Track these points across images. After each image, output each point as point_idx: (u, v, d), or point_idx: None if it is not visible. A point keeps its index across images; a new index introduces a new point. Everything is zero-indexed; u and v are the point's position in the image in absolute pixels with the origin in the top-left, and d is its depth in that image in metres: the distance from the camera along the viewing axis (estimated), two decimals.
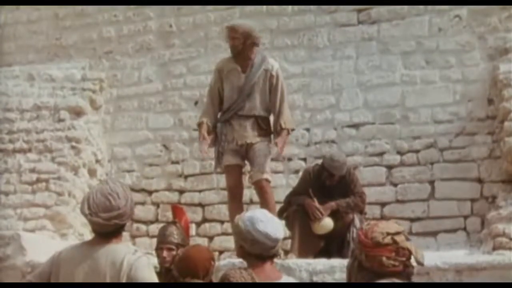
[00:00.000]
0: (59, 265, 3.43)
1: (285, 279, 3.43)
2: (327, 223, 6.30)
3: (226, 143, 6.23)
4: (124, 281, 3.29)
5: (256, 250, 3.38)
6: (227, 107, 6.28)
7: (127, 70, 8.73)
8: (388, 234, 2.93)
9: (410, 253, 2.95)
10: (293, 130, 6.47)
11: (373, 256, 2.90)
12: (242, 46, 6.24)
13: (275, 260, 5.64)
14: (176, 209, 5.80)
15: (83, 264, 3.37)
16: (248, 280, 3.21)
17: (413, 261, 2.96)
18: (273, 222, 3.46)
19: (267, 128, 6.30)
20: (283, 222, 6.54)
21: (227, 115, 6.27)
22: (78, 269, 3.37)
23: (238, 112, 6.23)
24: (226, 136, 6.23)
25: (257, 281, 3.24)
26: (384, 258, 2.90)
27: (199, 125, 6.38)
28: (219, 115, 6.34)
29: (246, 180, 6.50)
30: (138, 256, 3.38)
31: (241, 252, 3.44)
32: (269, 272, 3.37)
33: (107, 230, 3.39)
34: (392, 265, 2.90)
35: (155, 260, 5.18)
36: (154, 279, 3.39)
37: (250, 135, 6.20)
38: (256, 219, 3.41)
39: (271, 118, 6.34)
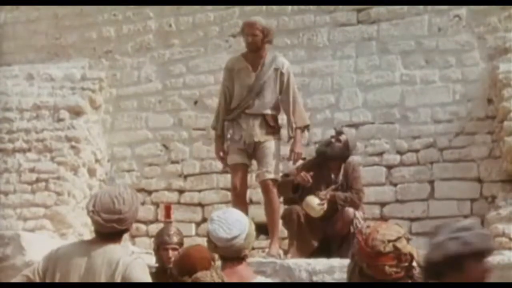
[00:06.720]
0: (56, 262, 3.48)
1: (259, 279, 3.38)
2: (318, 207, 6.18)
3: (233, 142, 6.15)
4: (119, 280, 3.35)
5: (212, 250, 3.36)
6: (236, 105, 6.17)
7: (127, 69, 8.72)
8: (389, 241, 2.82)
9: (412, 257, 2.85)
10: (307, 126, 6.38)
11: (375, 266, 2.80)
12: (261, 43, 6.14)
13: (276, 260, 5.72)
14: (167, 208, 5.83)
15: (80, 262, 3.43)
16: (218, 281, 3.17)
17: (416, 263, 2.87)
18: (227, 222, 3.32)
19: (276, 126, 6.21)
20: (280, 221, 6.57)
21: (234, 113, 6.16)
22: (75, 267, 3.43)
23: (246, 110, 6.13)
24: (233, 135, 6.14)
25: (227, 281, 3.19)
26: (386, 267, 2.80)
27: (214, 128, 6.38)
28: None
29: (251, 179, 6.47)
30: (134, 258, 3.45)
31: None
32: (241, 273, 3.32)
33: (105, 231, 3.44)
34: (394, 272, 2.81)
35: (153, 260, 5.18)
36: (148, 279, 3.44)
37: (258, 133, 6.10)
38: (210, 219, 3.35)
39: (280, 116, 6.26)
